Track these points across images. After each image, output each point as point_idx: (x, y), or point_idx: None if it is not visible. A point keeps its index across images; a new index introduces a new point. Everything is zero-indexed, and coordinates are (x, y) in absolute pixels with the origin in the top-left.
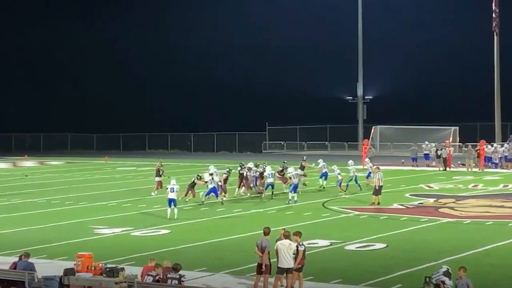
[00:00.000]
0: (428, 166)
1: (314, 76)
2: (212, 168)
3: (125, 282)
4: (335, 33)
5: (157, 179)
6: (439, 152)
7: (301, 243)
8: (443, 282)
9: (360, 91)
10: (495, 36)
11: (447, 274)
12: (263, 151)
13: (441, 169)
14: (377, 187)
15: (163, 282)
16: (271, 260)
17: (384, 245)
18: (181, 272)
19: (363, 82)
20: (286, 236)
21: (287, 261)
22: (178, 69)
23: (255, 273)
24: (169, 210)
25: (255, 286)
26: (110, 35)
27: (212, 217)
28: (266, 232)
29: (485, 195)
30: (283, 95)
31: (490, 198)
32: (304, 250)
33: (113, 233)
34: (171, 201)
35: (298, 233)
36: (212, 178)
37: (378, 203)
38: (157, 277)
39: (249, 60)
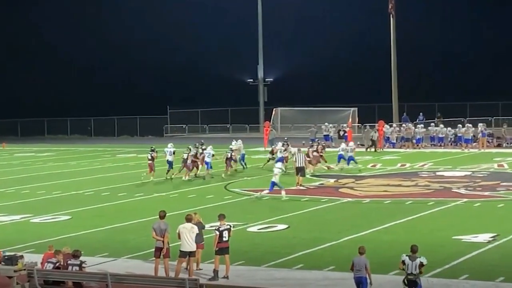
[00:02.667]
0: (328, 147)
1: (214, 59)
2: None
3: (25, 269)
4: (235, 16)
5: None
6: (341, 133)
7: (221, 226)
8: (421, 263)
9: (260, 74)
10: (391, 18)
11: (411, 258)
12: (164, 134)
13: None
14: (297, 167)
15: (64, 269)
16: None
17: (286, 226)
18: (82, 258)
19: (264, 65)
20: (189, 219)
21: (189, 245)
22: (78, 53)
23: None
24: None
25: (155, 270)
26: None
27: (114, 202)
28: (162, 215)
29: (384, 175)
30: (184, 78)
31: (388, 178)
32: (226, 231)
33: (12, 220)
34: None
35: (222, 216)
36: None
37: (300, 185)
38: (57, 264)
39: (147, 41)
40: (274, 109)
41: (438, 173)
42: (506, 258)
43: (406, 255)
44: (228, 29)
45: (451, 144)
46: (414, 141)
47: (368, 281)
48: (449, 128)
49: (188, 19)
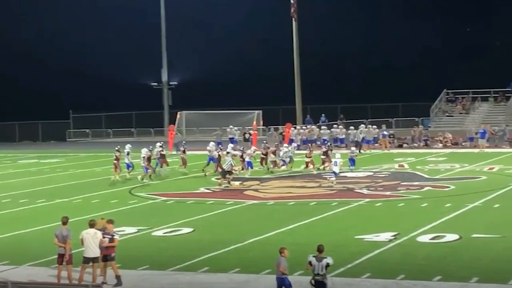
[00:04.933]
0: (233, 149)
1: (118, 62)
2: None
3: None
4: (139, 18)
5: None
6: (246, 136)
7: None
8: (328, 264)
9: (165, 77)
10: (293, 22)
11: (318, 258)
12: (67, 139)
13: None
14: (221, 170)
15: None
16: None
17: (191, 229)
18: None
19: (168, 68)
20: (92, 225)
21: (92, 251)
22: None
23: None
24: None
25: (58, 277)
26: None
27: (13, 209)
28: (64, 221)
29: (288, 176)
30: (87, 81)
31: (292, 179)
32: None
33: None
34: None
35: (111, 221)
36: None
37: (220, 184)
38: None
39: (48, 45)
40: (178, 112)
41: (341, 174)
42: (406, 256)
43: (313, 256)
44: (132, 32)
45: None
46: (319, 142)
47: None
48: (351, 128)
49: (91, 21)
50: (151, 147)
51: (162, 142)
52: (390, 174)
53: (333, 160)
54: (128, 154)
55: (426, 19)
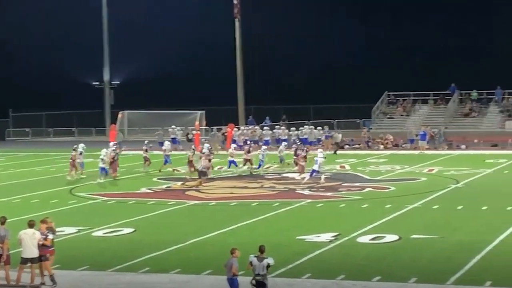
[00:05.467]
0: (176, 149)
1: (59, 61)
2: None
3: None
4: (80, 17)
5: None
6: (189, 136)
7: (48, 232)
8: (268, 264)
9: (106, 76)
10: (236, 22)
11: (259, 258)
12: (6, 138)
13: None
14: (199, 170)
15: None
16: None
17: (132, 229)
18: None
19: (110, 67)
20: (31, 225)
21: (31, 251)
22: None
23: None
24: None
25: None
26: None
27: None
28: (2, 221)
29: (230, 177)
30: (27, 80)
31: (234, 180)
32: (53, 239)
33: None
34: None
35: (44, 221)
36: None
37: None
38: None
39: None
40: (120, 112)
41: (283, 175)
42: (346, 256)
43: (254, 256)
44: (74, 30)
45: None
46: (261, 143)
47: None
48: (293, 129)
49: (32, 19)
50: (114, 147)
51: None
52: (331, 175)
53: (315, 158)
54: (81, 153)
55: (369, 21)
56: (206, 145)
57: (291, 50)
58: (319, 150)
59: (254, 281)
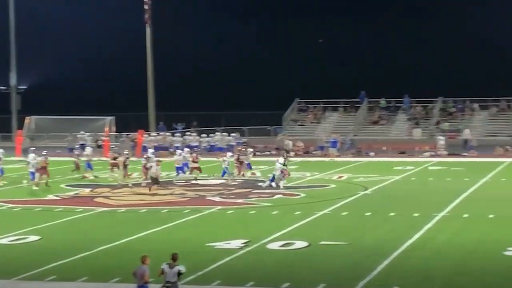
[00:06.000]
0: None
1: None
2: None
3: None
4: None
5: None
6: (99, 142)
7: None
8: (179, 271)
9: (13, 81)
10: (147, 28)
11: (171, 266)
12: None
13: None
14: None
15: None
16: None
17: (38, 237)
18: None
19: (17, 72)
20: None
21: None
22: None
23: None
24: None
25: None
26: None
27: None
28: None
29: (139, 183)
30: None
31: (145, 186)
32: None
33: None
34: None
35: None
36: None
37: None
38: None
39: None
40: (27, 117)
41: (193, 182)
42: (256, 263)
43: (166, 264)
44: None
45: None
46: (172, 149)
47: None
48: (203, 135)
49: None
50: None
51: (46, 151)
52: (242, 182)
53: (276, 163)
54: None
55: (280, 27)
56: (151, 150)
57: (202, 56)
58: (228, 155)
59: None
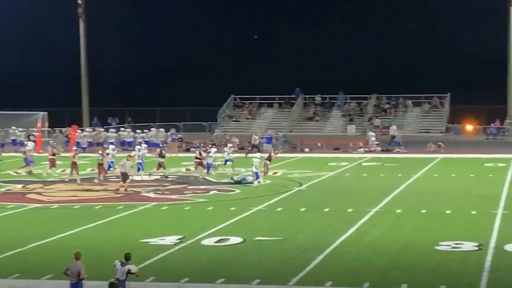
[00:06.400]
0: (16, 151)
1: None
2: None
3: None
4: None
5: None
6: (31, 138)
7: None
8: (129, 270)
9: None
10: (81, 22)
11: (123, 264)
12: None
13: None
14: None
15: None
16: None
17: None
18: None
19: None
20: None
21: None
22: None
23: None
24: None
25: None
26: None
27: None
28: None
29: (74, 179)
30: None
31: (78, 183)
32: None
33: None
34: None
35: None
36: None
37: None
38: None
39: None
40: None
41: (131, 177)
42: (191, 259)
43: (119, 261)
44: None
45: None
46: (106, 145)
47: None
48: (138, 131)
49: None
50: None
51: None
52: (177, 178)
53: (253, 159)
54: None
55: (216, 24)
56: (112, 146)
57: (136, 51)
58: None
59: (110, 284)
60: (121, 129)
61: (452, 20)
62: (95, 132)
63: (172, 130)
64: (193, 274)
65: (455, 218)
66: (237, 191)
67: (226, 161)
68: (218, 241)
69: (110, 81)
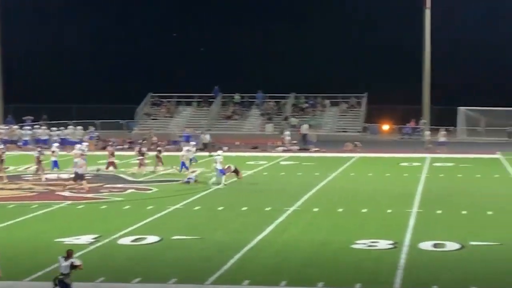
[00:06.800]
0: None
1: None
2: None
3: None
4: None
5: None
6: None
7: None
8: (73, 263)
9: None
10: None
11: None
12: None
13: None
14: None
15: None
16: None
17: None
18: None
19: None
20: None
21: None
22: None
23: None
24: None
25: None
26: None
27: None
28: None
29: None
30: None
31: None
32: None
33: None
34: None
35: None
36: None
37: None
38: None
39: None
40: None
41: (47, 176)
42: (107, 258)
43: (62, 257)
44: None
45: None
46: (20, 143)
47: None
48: (54, 129)
49: None
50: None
51: None
52: (93, 176)
53: (214, 157)
54: None
55: (131, 21)
56: (78, 145)
57: (52, 48)
58: (78, 148)
59: (56, 281)
60: (36, 126)
61: (369, 19)
62: (9, 129)
63: (91, 128)
64: (109, 273)
65: (371, 216)
66: (154, 189)
67: (191, 160)
68: (134, 240)
69: (25, 77)
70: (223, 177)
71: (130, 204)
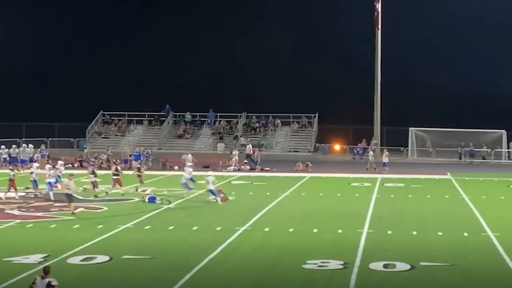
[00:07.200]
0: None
1: None
2: None
3: None
4: None
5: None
6: None
7: None
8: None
9: None
10: None
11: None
12: None
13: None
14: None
15: None
16: None
17: None
18: None
19: None
20: None
21: None
22: None
23: None
24: None
25: None
26: None
27: None
28: None
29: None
30: None
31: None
32: None
33: None
34: None
35: None
36: None
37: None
38: None
39: None
40: None
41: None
42: (56, 278)
43: (39, 276)
44: None
45: (5, 165)
46: None
47: None
48: (3, 147)
49: None
50: None
51: None
52: (43, 195)
53: (206, 178)
54: None
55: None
56: (60, 162)
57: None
58: (35, 166)
59: None
60: None
61: (321, 39)
62: None
63: (42, 146)
64: None
65: (322, 236)
66: (105, 208)
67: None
68: (84, 260)
69: None
70: (213, 197)
71: (80, 223)
